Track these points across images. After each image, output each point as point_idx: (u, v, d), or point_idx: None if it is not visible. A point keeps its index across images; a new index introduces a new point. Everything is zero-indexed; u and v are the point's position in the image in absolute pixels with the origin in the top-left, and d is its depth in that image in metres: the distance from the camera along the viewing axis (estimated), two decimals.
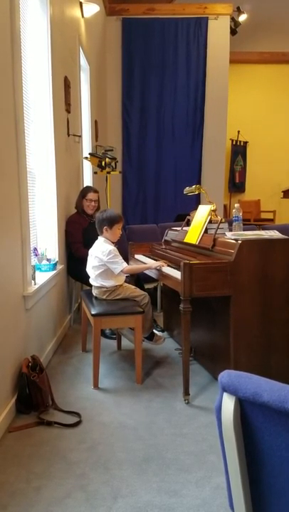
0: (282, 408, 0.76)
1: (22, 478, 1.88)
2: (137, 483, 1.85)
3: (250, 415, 0.86)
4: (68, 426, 2.29)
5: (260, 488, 0.91)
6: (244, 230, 2.89)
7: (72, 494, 1.78)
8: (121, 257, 2.95)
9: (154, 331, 3.26)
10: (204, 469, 1.94)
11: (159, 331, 3.76)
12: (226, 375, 0.86)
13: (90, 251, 3.05)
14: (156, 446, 2.12)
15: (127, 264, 2.95)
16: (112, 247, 2.95)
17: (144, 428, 2.28)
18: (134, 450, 2.09)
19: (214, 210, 2.98)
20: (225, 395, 0.87)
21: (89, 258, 3.06)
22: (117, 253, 2.95)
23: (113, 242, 3.04)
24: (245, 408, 0.86)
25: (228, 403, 0.86)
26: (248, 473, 0.92)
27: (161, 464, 1.98)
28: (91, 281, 3.06)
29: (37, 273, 2.95)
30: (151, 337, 3.19)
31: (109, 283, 2.97)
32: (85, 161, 4.78)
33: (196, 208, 3.22)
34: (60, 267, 3.46)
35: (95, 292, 3.07)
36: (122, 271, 2.91)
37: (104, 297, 3.00)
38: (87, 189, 4.07)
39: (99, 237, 3.06)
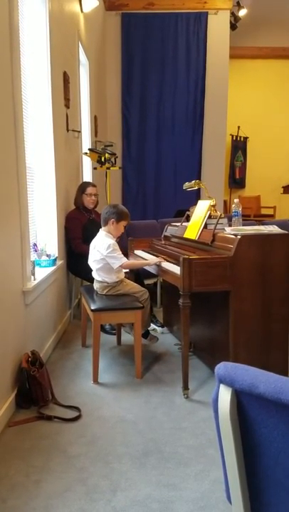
0: (278, 399, 0.77)
1: (22, 471, 1.89)
2: (137, 477, 1.86)
3: (246, 407, 0.86)
4: (68, 420, 2.30)
5: (257, 479, 0.92)
6: (243, 226, 2.89)
7: (71, 488, 1.79)
8: (120, 252, 2.96)
9: (149, 331, 3.27)
10: (203, 463, 1.95)
11: (158, 326, 3.77)
12: (222, 367, 0.87)
13: (92, 244, 3.06)
14: (155, 440, 2.13)
15: (126, 260, 2.96)
16: (112, 241, 2.95)
17: (143, 422, 2.29)
18: (134, 444, 2.10)
19: (214, 206, 2.98)
20: (221, 386, 0.87)
21: (90, 251, 3.07)
22: (117, 248, 2.96)
23: (114, 238, 3.04)
24: (242, 400, 0.86)
25: (225, 395, 0.87)
26: (245, 464, 0.92)
27: (161, 458, 1.99)
28: (93, 274, 3.06)
29: (36, 268, 2.95)
30: (146, 335, 3.20)
31: (111, 278, 2.98)
32: (84, 156, 4.78)
33: (195, 204, 3.22)
34: (59, 262, 3.46)
35: (96, 286, 3.07)
36: (120, 266, 2.92)
37: (104, 292, 3.00)
38: (86, 184, 4.07)
39: (100, 230, 3.06)
